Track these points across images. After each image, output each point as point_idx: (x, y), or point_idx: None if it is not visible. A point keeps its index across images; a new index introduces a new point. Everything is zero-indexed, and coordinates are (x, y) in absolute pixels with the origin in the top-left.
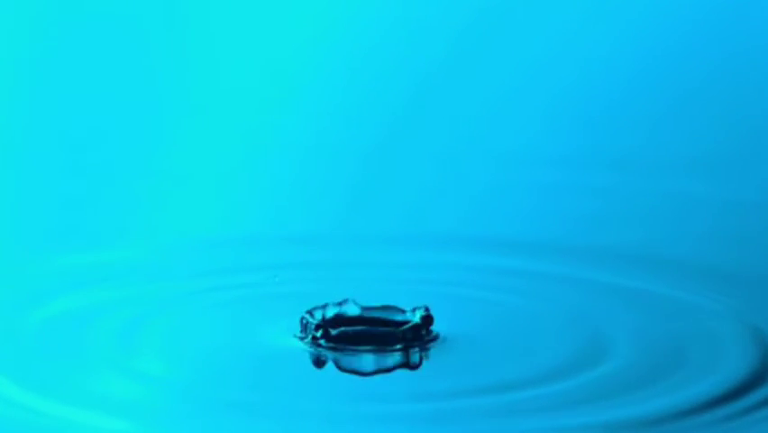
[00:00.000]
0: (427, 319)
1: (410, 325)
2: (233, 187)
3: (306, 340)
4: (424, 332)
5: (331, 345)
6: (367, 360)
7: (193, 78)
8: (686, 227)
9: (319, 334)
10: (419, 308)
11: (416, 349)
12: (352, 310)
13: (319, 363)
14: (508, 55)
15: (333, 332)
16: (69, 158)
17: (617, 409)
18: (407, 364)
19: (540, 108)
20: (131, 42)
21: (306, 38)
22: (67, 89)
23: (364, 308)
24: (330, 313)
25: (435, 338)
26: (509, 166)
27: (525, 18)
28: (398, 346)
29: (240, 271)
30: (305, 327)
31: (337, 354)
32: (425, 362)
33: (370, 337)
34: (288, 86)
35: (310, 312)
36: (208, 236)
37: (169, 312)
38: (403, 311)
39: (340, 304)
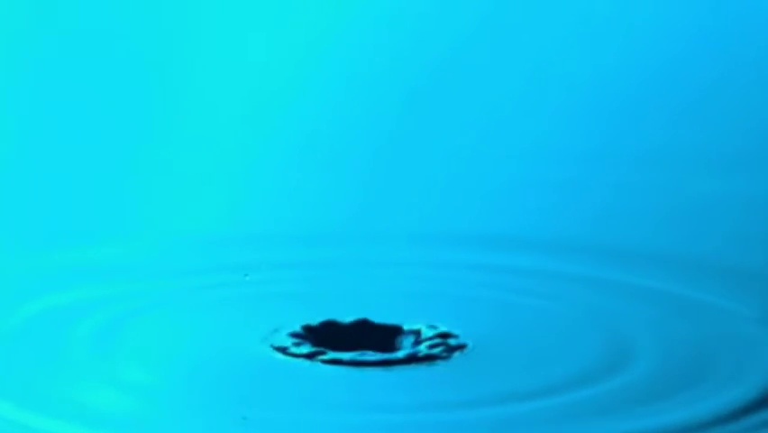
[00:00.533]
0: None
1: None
2: (226, 184)
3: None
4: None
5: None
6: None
7: (190, 72)
8: (716, 227)
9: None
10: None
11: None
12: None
13: None
14: (523, 51)
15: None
16: (56, 154)
17: (641, 419)
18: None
19: (560, 103)
20: (125, 37)
21: (313, 29)
22: (57, 84)
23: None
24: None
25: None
26: (526, 162)
27: (539, 14)
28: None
29: (233, 270)
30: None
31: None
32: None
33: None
34: (286, 84)
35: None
36: (201, 234)
37: (160, 312)
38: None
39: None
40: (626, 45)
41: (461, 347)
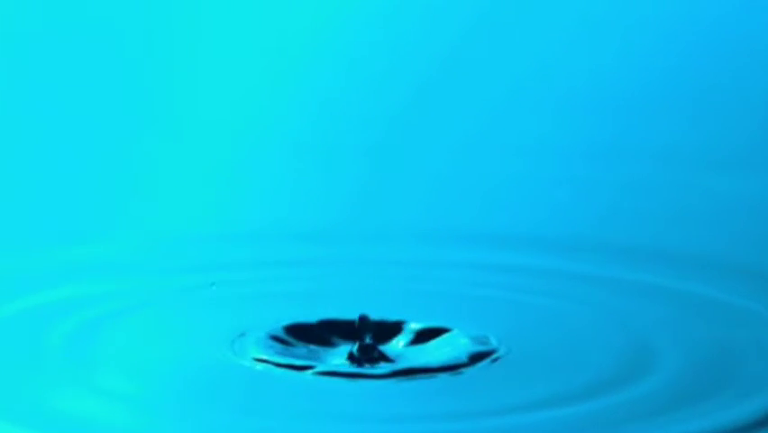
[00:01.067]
0: None
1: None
2: (228, 182)
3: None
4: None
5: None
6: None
7: (185, 71)
8: (729, 225)
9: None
10: None
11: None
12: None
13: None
14: (530, 47)
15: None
16: (39, 153)
17: (661, 428)
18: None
19: (568, 101)
20: (118, 39)
21: (314, 27)
22: (51, 81)
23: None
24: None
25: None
26: (532, 160)
27: (546, 10)
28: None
29: (233, 268)
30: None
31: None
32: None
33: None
34: (286, 81)
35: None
36: (202, 232)
37: (146, 312)
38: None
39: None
40: (635, 42)
41: (487, 354)
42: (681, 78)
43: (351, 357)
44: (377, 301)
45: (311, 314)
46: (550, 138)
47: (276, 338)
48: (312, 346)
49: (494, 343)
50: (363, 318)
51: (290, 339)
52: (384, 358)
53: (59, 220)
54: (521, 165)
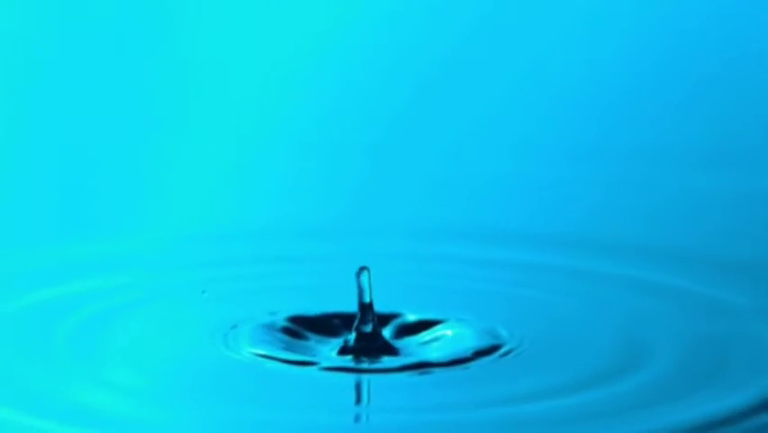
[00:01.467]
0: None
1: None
2: (225, 180)
3: None
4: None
5: None
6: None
7: (190, 70)
8: (709, 221)
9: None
10: None
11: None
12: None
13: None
14: (518, 50)
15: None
16: (41, 150)
17: (655, 419)
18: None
19: (558, 101)
20: (128, 36)
21: (316, 26)
22: (56, 79)
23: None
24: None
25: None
26: (521, 159)
27: (533, 13)
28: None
29: (231, 265)
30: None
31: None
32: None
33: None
34: (286, 81)
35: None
36: (200, 230)
37: (149, 308)
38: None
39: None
40: (617, 45)
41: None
42: (664, 79)
43: (347, 348)
44: (376, 296)
45: (312, 308)
46: (541, 139)
47: (278, 330)
48: (316, 338)
49: (504, 336)
50: (363, 269)
51: (293, 332)
52: (389, 350)
53: (64, 218)
54: (513, 164)
